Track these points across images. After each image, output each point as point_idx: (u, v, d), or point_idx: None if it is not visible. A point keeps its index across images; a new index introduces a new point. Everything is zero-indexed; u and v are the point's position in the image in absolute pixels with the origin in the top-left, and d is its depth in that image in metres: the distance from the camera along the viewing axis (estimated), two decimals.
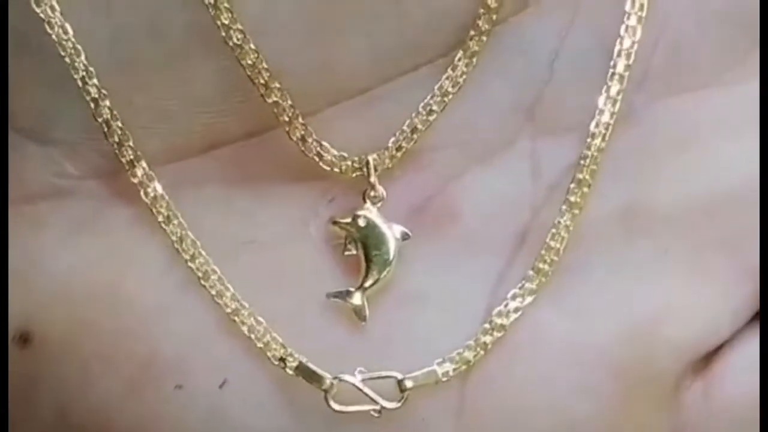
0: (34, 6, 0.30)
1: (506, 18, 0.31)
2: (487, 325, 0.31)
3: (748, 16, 0.31)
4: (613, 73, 0.32)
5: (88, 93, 0.30)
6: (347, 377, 0.31)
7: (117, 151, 0.31)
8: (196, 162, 0.32)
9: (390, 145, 0.32)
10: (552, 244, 0.32)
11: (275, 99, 0.31)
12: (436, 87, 0.32)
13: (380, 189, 0.32)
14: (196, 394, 0.31)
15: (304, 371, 0.31)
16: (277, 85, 0.30)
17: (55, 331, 0.31)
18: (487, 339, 0.31)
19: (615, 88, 0.32)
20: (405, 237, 0.32)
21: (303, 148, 0.31)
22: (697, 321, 0.31)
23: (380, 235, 0.32)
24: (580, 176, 0.32)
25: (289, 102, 0.31)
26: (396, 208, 0.32)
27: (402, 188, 0.32)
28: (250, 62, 0.30)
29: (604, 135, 0.32)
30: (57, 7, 0.30)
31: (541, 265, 0.32)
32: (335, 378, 0.31)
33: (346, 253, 0.32)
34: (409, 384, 0.31)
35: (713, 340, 0.32)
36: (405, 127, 0.32)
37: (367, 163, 0.32)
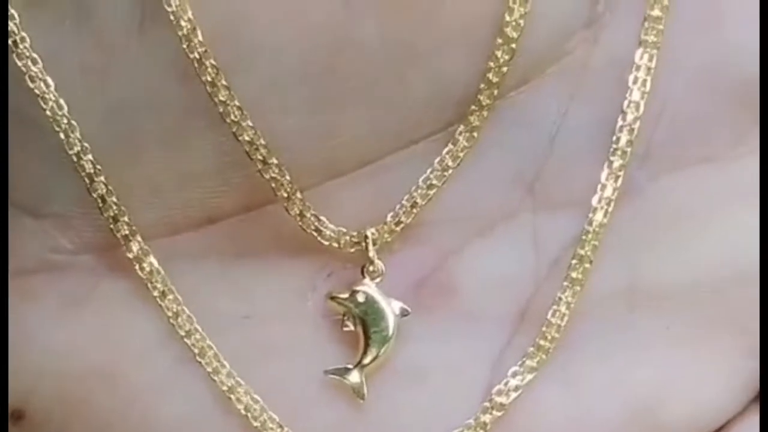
0: (28, 81, 0.29)
1: (507, 93, 0.31)
2: (486, 404, 0.31)
3: (749, 94, 0.31)
4: (616, 148, 0.31)
5: (83, 168, 0.30)
6: None
7: (112, 226, 0.31)
8: (192, 236, 0.31)
9: (389, 219, 0.31)
10: (553, 320, 0.31)
11: (273, 174, 0.30)
12: (436, 161, 0.31)
13: (379, 264, 0.32)
14: None
15: None
16: (275, 161, 0.30)
17: (48, 409, 0.31)
18: (487, 418, 0.31)
19: (617, 162, 0.31)
20: (404, 313, 0.31)
21: (301, 224, 0.31)
22: (699, 400, 0.31)
23: (379, 311, 0.31)
24: (582, 252, 0.31)
25: (287, 177, 0.30)
26: (395, 283, 0.32)
27: (401, 263, 0.32)
28: (247, 138, 0.30)
29: (606, 210, 0.31)
30: (51, 82, 0.30)
31: (542, 342, 0.31)
32: None
33: (345, 329, 0.32)
34: None
35: (716, 418, 0.31)
36: (404, 202, 0.31)
37: (366, 237, 0.31)
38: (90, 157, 0.30)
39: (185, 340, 0.31)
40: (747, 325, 0.31)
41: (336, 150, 0.31)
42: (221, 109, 0.30)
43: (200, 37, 0.29)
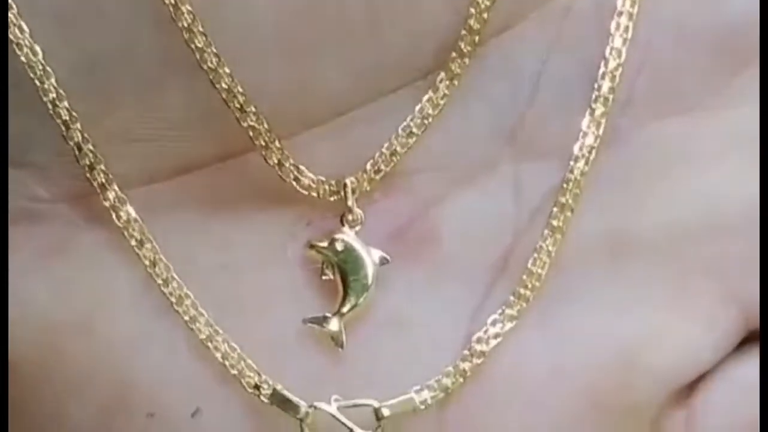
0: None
1: (488, 40, 0.31)
2: (466, 352, 0.31)
3: (730, 42, 0.31)
4: (598, 96, 0.31)
5: (59, 116, 0.30)
6: (323, 405, 0.30)
7: (88, 174, 0.30)
8: (169, 185, 0.31)
9: (368, 167, 0.31)
10: (533, 269, 0.31)
11: (251, 123, 0.30)
12: (416, 109, 0.31)
13: (358, 212, 0.31)
14: (167, 423, 0.30)
15: (278, 399, 0.30)
16: (253, 109, 0.30)
17: (25, 359, 0.30)
18: (466, 366, 0.31)
19: (599, 110, 0.31)
20: (384, 262, 0.31)
21: (280, 173, 0.31)
22: (680, 349, 0.31)
23: (358, 259, 0.31)
24: (563, 200, 0.31)
25: (266, 126, 0.30)
26: (374, 232, 0.31)
27: (381, 212, 0.32)
28: (224, 86, 0.30)
29: (588, 158, 0.31)
30: (26, 28, 0.29)
31: (522, 291, 0.31)
32: (311, 406, 0.30)
33: (324, 277, 0.31)
34: (385, 412, 0.30)
35: (696, 368, 0.31)
36: (384, 150, 0.31)
37: (345, 186, 0.31)
38: (65, 104, 0.30)
39: (162, 288, 0.31)
40: (727, 273, 0.31)
41: (313, 99, 0.30)
42: (198, 56, 0.29)
43: None
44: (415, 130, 0.31)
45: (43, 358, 0.31)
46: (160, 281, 0.31)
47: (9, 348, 0.31)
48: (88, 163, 0.30)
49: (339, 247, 0.31)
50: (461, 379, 0.31)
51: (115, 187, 0.30)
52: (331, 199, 0.31)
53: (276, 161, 0.31)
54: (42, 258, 0.31)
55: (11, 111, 0.30)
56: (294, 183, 0.31)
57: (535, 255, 0.31)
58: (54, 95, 0.30)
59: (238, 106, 0.30)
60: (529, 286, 0.31)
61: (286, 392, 0.30)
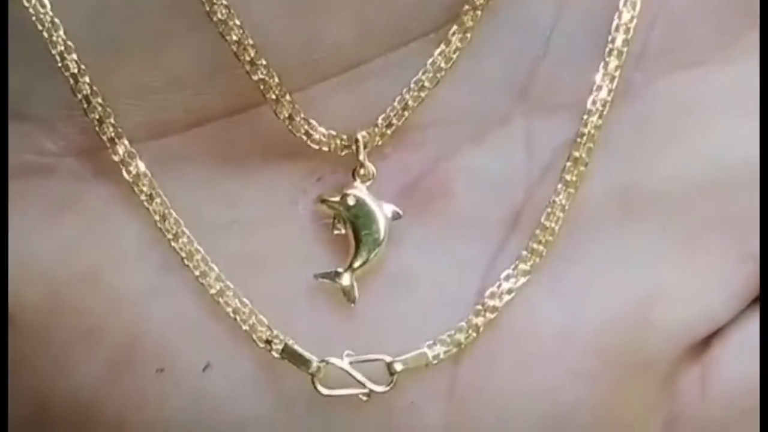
0: None
1: None
2: (479, 307, 0.31)
3: None
4: (612, 49, 0.31)
5: (67, 68, 0.30)
6: (335, 360, 0.30)
7: (97, 128, 0.30)
8: (178, 139, 0.31)
9: (380, 122, 0.31)
10: (547, 223, 0.31)
11: (261, 76, 0.30)
12: (428, 62, 0.31)
13: (370, 167, 0.31)
14: (178, 378, 0.30)
15: (290, 354, 0.30)
16: (263, 62, 0.29)
17: (34, 312, 0.30)
18: (479, 321, 0.31)
19: (613, 63, 0.31)
20: (396, 216, 0.31)
21: (290, 127, 0.30)
22: (693, 304, 0.31)
23: (370, 213, 0.31)
24: (576, 154, 0.31)
25: (276, 79, 0.30)
26: (386, 186, 0.31)
27: (392, 166, 0.31)
28: (235, 38, 0.29)
29: (601, 112, 0.31)
30: None
31: (535, 246, 0.31)
32: (322, 361, 0.30)
33: (335, 232, 0.31)
34: (398, 367, 0.30)
35: (710, 324, 0.31)
36: (396, 104, 0.31)
37: (356, 140, 0.31)
38: (74, 56, 0.29)
39: (172, 243, 0.31)
40: (741, 230, 0.30)
41: (324, 52, 0.30)
42: (208, 8, 0.29)
43: None
44: (426, 83, 0.31)
45: (50, 311, 0.30)
46: (169, 236, 0.31)
47: (15, 301, 0.30)
48: (97, 116, 0.30)
49: (351, 201, 0.31)
50: (474, 334, 0.31)
51: (125, 141, 0.30)
52: (342, 153, 0.31)
53: (287, 115, 0.30)
54: (50, 212, 0.31)
55: (19, 63, 0.30)
56: (305, 137, 0.31)
57: (548, 210, 0.31)
58: (62, 48, 0.29)
59: (248, 59, 0.29)
60: (543, 240, 0.31)
61: (297, 347, 0.30)
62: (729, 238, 0.31)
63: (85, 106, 0.30)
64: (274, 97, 0.30)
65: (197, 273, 0.30)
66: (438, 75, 0.31)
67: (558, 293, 0.31)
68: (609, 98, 0.31)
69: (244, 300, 0.30)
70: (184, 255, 0.30)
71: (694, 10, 0.31)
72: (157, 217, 0.31)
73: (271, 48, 0.30)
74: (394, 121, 0.31)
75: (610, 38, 0.31)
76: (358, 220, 0.31)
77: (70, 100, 0.30)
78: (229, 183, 0.31)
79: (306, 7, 0.29)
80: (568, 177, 0.31)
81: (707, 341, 0.31)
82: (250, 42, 0.29)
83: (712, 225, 0.30)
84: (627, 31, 0.31)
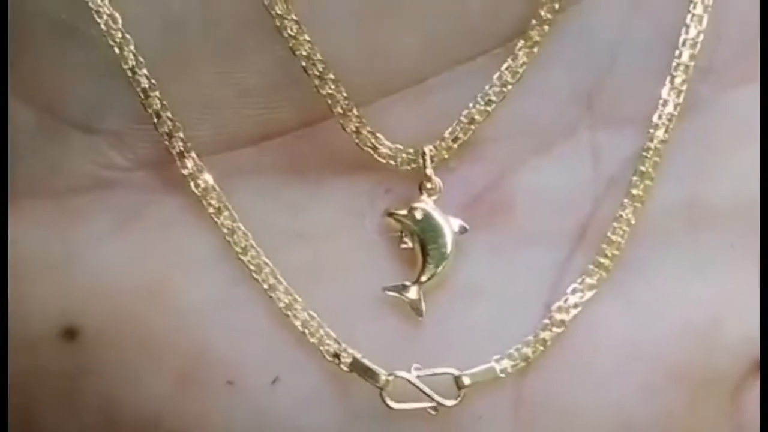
0: None
1: (568, 7, 0.30)
2: (546, 321, 0.31)
3: None
4: (678, 63, 0.31)
5: (138, 83, 0.30)
6: (403, 374, 0.30)
7: (167, 142, 0.30)
8: (247, 153, 0.31)
9: (447, 135, 0.31)
10: (613, 237, 0.31)
11: (330, 90, 0.30)
12: (495, 77, 0.31)
13: (437, 181, 0.31)
14: (246, 391, 0.30)
15: (358, 367, 0.30)
16: (332, 77, 0.30)
17: (102, 326, 0.30)
18: (546, 335, 0.31)
19: (679, 78, 0.31)
20: (463, 231, 0.31)
21: (357, 141, 0.30)
22: (758, 320, 0.30)
23: (437, 227, 0.31)
24: (642, 168, 0.31)
25: (344, 93, 0.30)
26: (452, 199, 0.31)
27: (459, 180, 0.31)
28: (304, 53, 0.29)
29: (668, 126, 0.31)
30: None
31: (601, 260, 0.31)
32: (391, 374, 0.30)
33: (402, 246, 0.31)
34: (466, 381, 0.30)
35: None
36: (462, 118, 0.31)
37: (423, 154, 0.31)
38: (145, 71, 0.30)
39: (241, 257, 0.31)
40: None
41: (391, 66, 0.30)
42: (278, 23, 0.29)
43: None
44: (493, 98, 0.31)
45: (119, 325, 0.30)
46: (238, 249, 0.31)
47: (83, 312, 0.30)
48: (166, 130, 0.30)
49: (418, 215, 0.31)
50: (541, 348, 0.31)
51: (193, 155, 0.30)
52: (409, 167, 0.31)
53: (354, 129, 0.30)
54: (118, 225, 0.31)
55: (89, 77, 0.30)
56: (371, 151, 0.31)
57: (615, 224, 0.31)
58: (133, 62, 0.30)
59: (317, 73, 0.30)
60: (609, 255, 0.31)
61: (366, 360, 0.30)
62: None
63: (155, 120, 0.30)
64: (341, 110, 0.30)
65: (266, 286, 0.31)
66: (504, 89, 0.31)
67: (625, 307, 0.31)
68: (675, 112, 0.31)
69: (312, 313, 0.31)
70: (253, 268, 0.31)
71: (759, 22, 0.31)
72: (225, 231, 0.31)
73: (339, 63, 0.30)
74: (461, 135, 0.31)
75: (677, 53, 0.31)
76: (425, 234, 0.31)
77: (140, 114, 0.30)
78: (297, 196, 0.31)
79: (374, 22, 0.30)
80: (634, 191, 0.31)
81: None
82: (319, 57, 0.30)
83: None
84: (694, 46, 0.31)
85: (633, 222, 0.31)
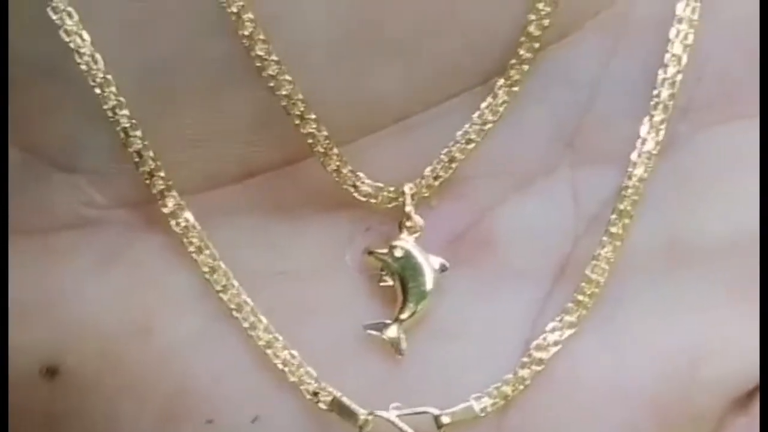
0: (63, 35, 0.29)
1: (547, 46, 0.31)
2: (525, 359, 0.31)
3: None
4: (657, 102, 0.31)
5: (119, 123, 0.30)
6: (382, 413, 0.30)
7: (148, 181, 0.30)
8: (228, 191, 0.31)
9: (427, 174, 0.31)
10: (592, 276, 0.31)
11: (310, 130, 0.30)
12: (475, 115, 0.31)
13: (417, 219, 0.31)
14: (227, 429, 0.30)
15: (338, 406, 0.31)
16: (313, 116, 0.30)
17: (83, 364, 0.31)
18: (526, 373, 0.31)
19: (659, 116, 0.31)
20: (443, 269, 0.31)
21: (338, 179, 0.31)
22: (739, 356, 0.31)
23: (417, 266, 0.31)
24: (621, 207, 0.31)
25: (324, 133, 0.30)
26: (433, 238, 0.31)
27: (439, 218, 0.32)
28: (285, 93, 0.30)
29: (647, 165, 0.31)
30: (87, 37, 0.29)
31: (580, 298, 0.31)
32: (370, 414, 0.30)
33: (382, 284, 0.31)
34: (446, 420, 0.30)
35: (753, 377, 0.31)
36: (443, 156, 0.31)
37: (403, 192, 0.31)
38: (126, 111, 0.30)
39: (221, 295, 0.31)
40: None
41: (372, 105, 0.30)
42: (259, 64, 0.29)
43: None
44: (473, 136, 0.31)
45: (100, 364, 0.31)
46: (218, 287, 0.31)
47: (64, 352, 0.31)
48: (147, 170, 0.30)
49: (398, 253, 0.31)
50: (521, 387, 0.31)
51: (174, 194, 0.31)
52: (390, 205, 0.31)
53: (334, 168, 0.31)
54: (99, 264, 0.31)
55: (70, 117, 0.30)
56: (352, 189, 0.31)
57: (594, 262, 0.31)
58: (114, 102, 0.30)
59: (298, 113, 0.30)
60: (588, 293, 0.31)
61: (345, 399, 0.30)
62: None
63: (137, 159, 0.30)
64: (322, 149, 0.30)
65: (246, 324, 0.31)
66: (485, 128, 0.31)
67: (604, 346, 0.31)
68: (654, 151, 0.31)
69: (293, 352, 0.31)
70: (233, 306, 0.31)
71: (740, 65, 0.31)
72: (206, 269, 0.31)
73: (320, 102, 0.30)
74: (441, 173, 0.31)
75: (656, 92, 0.31)
76: (405, 272, 0.31)
77: (121, 153, 0.30)
78: (278, 234, 0.31)
79: (354, 61, 0.30)
80: (613, 229, 0.31)
81: (752, 392, 0.31)
82: (300, 96, 0.30)
83: (755, 278, 0.31)
84: (672, 85, 0.31)
85: (612, 260, 0.31)
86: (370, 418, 0.30)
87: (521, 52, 0.30)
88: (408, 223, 0.31)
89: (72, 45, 0.29)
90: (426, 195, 0.31)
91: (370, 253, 0.31)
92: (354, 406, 0.30)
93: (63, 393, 0.31)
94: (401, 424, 0.30)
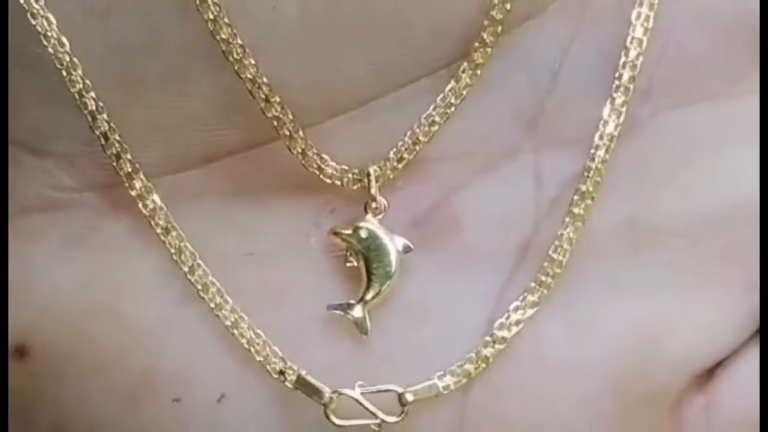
0: (30, 19, 0.29)
1: (510, 29, 0.31)
2: (488, 338, 0.31)
3: (753, 32, 0.31)
4: (618, 85, 0.31)
5: (86, 106, 0.30)
6: (347, 391, 0.31)
7: (115, 164, 0.31)
8: (194, 174, 0.31)
9: (391, 156, 0.31)
10: (554, 256, 0.31)
11: (275, 113, 0.30)
12: (439, 98, 0.31)
13: (381, 200, 0.32)
14: (193, 408, 0.31)
15: (303, 385, 0.31)
16: (278, 99, 0.30)
17: (52, 345, 0.31)
18: (488, 352, 0.31)
19: (620, 99, 0.31)
20: (407, 249, 0.32)
21: (303, 162, 0.31)
22: (698, 335, 0.31)
23: (382, 246, 0.31)
24: (584, 188, 0.31)
25: (290, 116, 0.30)
26: (397, 219, 0.32)
27: (403, 200, 0.32)
28: (249, 76, 0.30)
29: (608, 147, 0.31)
30: (53, 20, 0.30)
31: (543, 278, 0.31)
32: (335, 392, 0.31)
33: (348, 264, 0.32)
34: (409, 397, 0.31)
35: (715, 354, 0.31)
36: (407, 138, 0.31)
37: (368, 174, 0.31)
38: (92, 95, 0.30)
39: (188, 276, 0.31)
40: (745, 261, 0.31)
41: (337, 88, 0.31)
42: (223, 47, 0.30)
43: None
44: (437, 119, 0.31)
45: (69, 345, 0.31)
46: (185, 269, 0.31)
47: (33, 333, 0.31)
48: (114, 152, 0.31)
49: (363, 234, 0.31)
50: (483, 365, 0.31)
51: (142, 176, 0.31)
52: (355, 187, 0.32)
53: (300, 150, 0.31)
54: (67, 246, 0.31)
55: (38, 100, 0.30)
56: (317, 172, 0.31)
57: (556, 242, 0.31)
58: (80, 86, 0.30)
59: (263, 96, 0.30)
60: (551, 273, 0.31)
61: (310, 378, 0.31)
62: (734, 270, 0.31)
63: (103, 142, 0.30)
64: (287, 133, 0.31)
65: (212, 305, 0.31)
66: (448, 110, 0.31)
67: (566, 324, 0.31)
68: (616, 133, 0.31)
69: (258, 332, 0.31)
70: (200, 287, 0.31)
71: (705, 45, 0.31)
72: (172, 250, 0.31)
73: (284, 85, 0.30)
74: (405, 155, 0.31)
75: (617, 74, 0.31)
76: (370, 253, 0.31)
77: (89, 136, 0.30)
78: (244, 216, 0.32)
79: (319, 45, 0.30)
80: (575, 210, 0.31)
81: (711, 371, 0.32)
82: (265, 80, 0.30)
83: (716, 258, 0.31)
84: (633, 67, 0.31)
85: (574, 241, 0.31)
86: (334, 396, 0.31)
87: (484, 36, 0.31)
88: (373, 205, 0.32)
89: (39, 28, 0.30)
90: (391, 177, 0.32)
91: (335, 233, 0.32)
92: (319, 385, 0.31)
93: (33, 374, 0.31)
94: (366, 402, 0.31)
